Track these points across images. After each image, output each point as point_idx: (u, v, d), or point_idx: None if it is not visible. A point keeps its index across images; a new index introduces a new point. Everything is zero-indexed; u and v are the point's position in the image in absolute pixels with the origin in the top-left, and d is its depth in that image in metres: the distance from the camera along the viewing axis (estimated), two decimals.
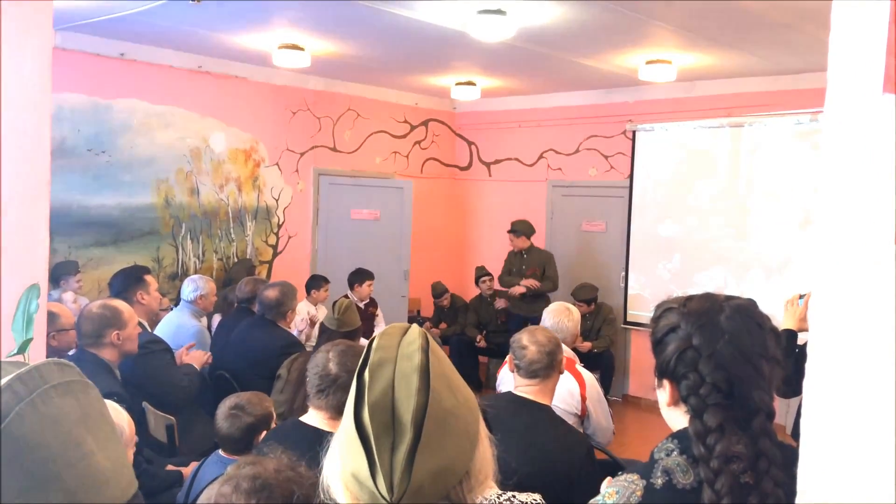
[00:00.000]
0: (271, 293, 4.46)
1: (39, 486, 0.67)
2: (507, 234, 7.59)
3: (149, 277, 4.33)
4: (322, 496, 1.01)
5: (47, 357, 2.87)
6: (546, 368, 2.81)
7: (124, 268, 5.08)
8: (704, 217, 7.08)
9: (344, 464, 0.97)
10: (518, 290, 7.29)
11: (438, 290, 7.87)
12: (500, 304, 7.71)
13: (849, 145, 0.95)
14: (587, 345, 6.81)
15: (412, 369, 0.96)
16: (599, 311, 7.15)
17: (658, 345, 1.37)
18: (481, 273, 7.77)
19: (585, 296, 7.01)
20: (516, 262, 7.55)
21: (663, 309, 1.40)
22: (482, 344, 7.58)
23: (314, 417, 2.39)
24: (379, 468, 0.92)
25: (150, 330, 4.29)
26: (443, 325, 7.84)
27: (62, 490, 0.68)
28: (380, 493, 0.91)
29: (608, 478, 1.46)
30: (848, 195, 0.96)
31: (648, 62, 6.19)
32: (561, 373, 2.91)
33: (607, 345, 7.06)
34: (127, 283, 4.23)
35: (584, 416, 3.52)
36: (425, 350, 0.99)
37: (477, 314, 7.85)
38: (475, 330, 7.71)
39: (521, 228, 7.42)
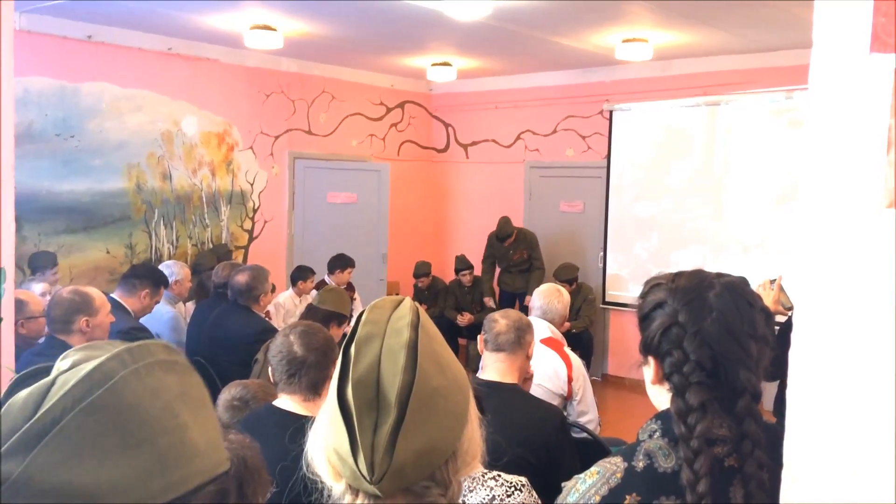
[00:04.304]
0: (241, 278, 4.38)
1: (133, 446, 0.70)
2: (482, 222, 7.62)
3: (162, 290, 4.47)
4: (305, 469, 0.99)
5: (16, 344, 2.79)
6: (513, 343, 2.80)
7: (152, 265, 5.67)
8: (681, 196, 7.09)
9: (327, 439, 0.95)
10: (463, 320, 7.56)
11: (420, 271, 7.82)
12: (487, 302, 7.71)
13: (836, 108, 0.92)
14: (566, 325, 6.81)
15: (400, 346, 0.93)
16: (579, 291, 7.15)
17: (644, 320, 1.33)
18: (462, 266, 7.71)
19: (568, 276, 7.00)
20: (500, 248, 7.54)
21: (651, 285, 1.36)
22: (464, 322, 7.56)
23: (287, 402, 2.34)
24: (360, 447, 0.89)
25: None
26: (423, 308, 7.79)
27: (154, 453, 0.71)
28: (360, 471, 0.89)
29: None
30: (836, 160, 0.92)
31: (625, 41, 6.16)
32: (529, 357, 2.90)
33: (586, 325, 7.07)
34: (143, 278, 4.29)
35: (569, 397, 3.52)
36: (415, 326, 0.96)
37: (456, 297, 7.83)
38: (454, 312, 7.69)
39: (509, 230, 7.43)
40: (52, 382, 0.71)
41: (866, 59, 0.90)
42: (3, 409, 0.70)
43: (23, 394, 0.71)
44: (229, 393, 2.67)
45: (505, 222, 7.44)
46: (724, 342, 1.25)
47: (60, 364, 0.74)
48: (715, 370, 1.25)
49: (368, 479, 0.89)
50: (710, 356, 1.25)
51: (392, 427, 0.89)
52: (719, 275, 1.32)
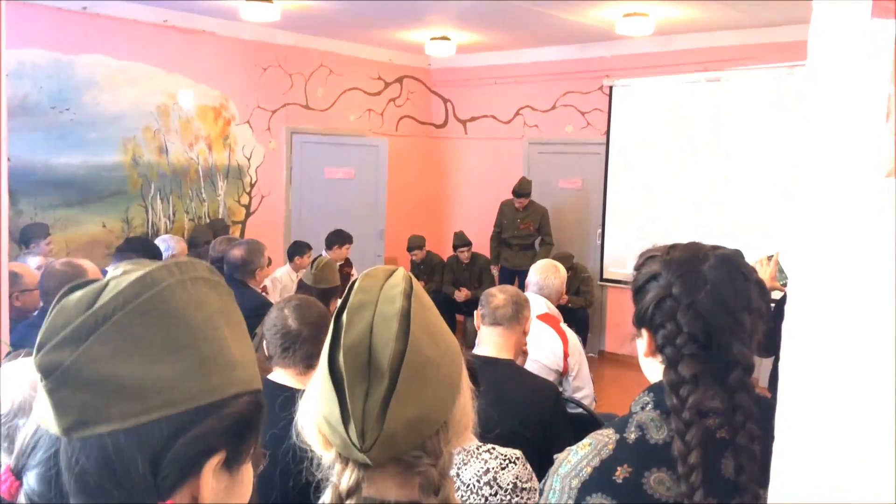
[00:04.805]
0: (237, 252, 4.37)
1: (177, 348, 0.73)
2: (480, 198, 7.57)
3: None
4: (295, 438, 0.99)
5: (11, 317, 2.78)
6: (511, 318, 2.80)
7: (146, 238, 5.70)
8: (681, 173, 7.06)
9: (317, 407, 0.94)
10: (461, 296, 7.54)
11: (414, 244, 7.77)
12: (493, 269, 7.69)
13: (835, 75, 0.90)
14: (564, 298, 6.79)
15: (392, 314, 0.92)
16: (575, 274, 7.12)
17: (638, 292, 1.32)
18: (460, 242, 7.65)
19: (565, 265, 6.97)
20: (511, 214, 7.53)
21: (646, 257, 1.35)
22: (462, 297, 7.56)
23: (281, 375, 2.34)
24: (351, 414, 0.88)
25: None
26: (421, 283, 7.78)
27: (197, 357, 0.74)
28: (350, 439, 0.89)
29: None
30: (835, 129, 0.90)
31: (625, 15, 6.10)
32: (526, 333, 2.89)
33: (586, 304, 7.03)
34: (138, 251, 4.34)
35: (565, 373, 3.52)
36: (408, 295, 0.95)
37: (454, 273, 7.81)
38: (452, 287, 7.69)
39: (528, 190, 7.40)
40: (105, 285, 0.75)
41: (867, 24, 0.88)
42: (58, 306, 0.74)
43: (77, 293, 0.75)
44: None
45: (526, 182, 7.44)
46: (718, 314, 1.24)
47: (113, 272, 0.78)
48: (708, 342, 1.24)
49: (359, 446, 0.88)
50: (704, 328, 1.24)
51: (383, 395, 0.88)
52: (714, 247, 1.31)
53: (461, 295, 7.57)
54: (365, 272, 1.00)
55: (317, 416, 0.94)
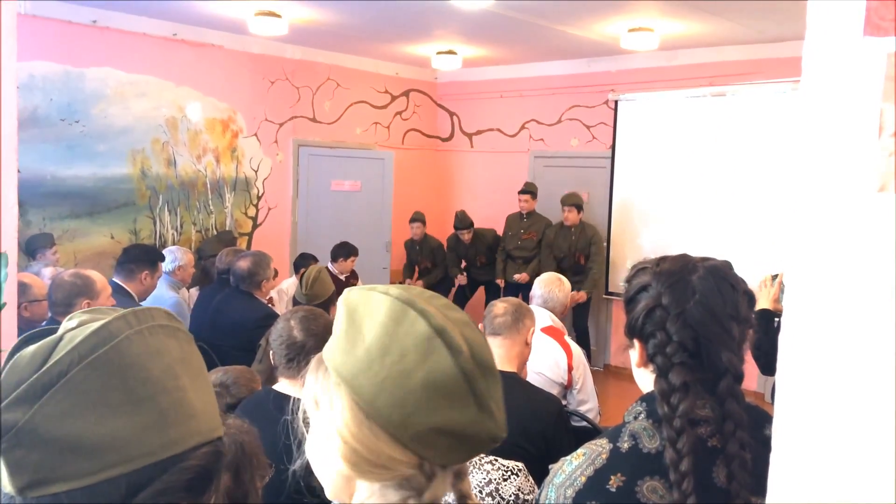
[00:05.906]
0: (243, 263, 4.39)
1: (135, 402, 0.72)
2: (486, 211, 7.59)
3: (160, 265, 4.56)
4: (290, 441, 1.00)
5: (18, 328, 2.80)
6: (510, 327, 2.81)
7: (142, 244, 5.78)
8: (686, 187, 7.07)
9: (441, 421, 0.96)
10: (462, 279, 7.84)
11: (416, 216, 7.87)
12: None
13: (828, 92, 0.92)
14: (582, 294, 6.87)
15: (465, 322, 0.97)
16: (584, 230, 7.15)
17: (629, 303, 1.35)
18: (461, 225, 7.64)
19: (575, 201, 7.05)
20: (515, 225, 7.58)
21: (637, 269, 1.38)
22: (463, 281, 7.77)
23: (286, 386, 2.36)
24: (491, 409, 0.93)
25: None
26: (419, 282, 7.84)
27: (155, 411, 0.73)
28: (492, 431, 0.94)
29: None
30: (828, 144, 0.92)
31: (630, 30, 6.13)
32: (528, 344, 2.89)
33: (591, 288, 7.10)
34: (140, 261, 4.37)
35: (569, 386, 3.52)
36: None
37: (456, 252, 7.89)
38: (456, 269, 7.87)
39: (531, 189, 7.48)
40: (60, 339, 0.73)
41: (859, 42, 0.90)
42: (11, 362, 0.72)
43: (31, 348, 0.72)
44: (210, 378, 2.70)
45: (530, 183, 7.59)
46: (707, 324, 1.26)
47: (68, 323, 0.76)
48: (697, 351, 1.26)
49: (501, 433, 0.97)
50: (693, 337, 1.26)
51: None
52: (703, 259, 1.34)
53: (463, 278, 7.81)
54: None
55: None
